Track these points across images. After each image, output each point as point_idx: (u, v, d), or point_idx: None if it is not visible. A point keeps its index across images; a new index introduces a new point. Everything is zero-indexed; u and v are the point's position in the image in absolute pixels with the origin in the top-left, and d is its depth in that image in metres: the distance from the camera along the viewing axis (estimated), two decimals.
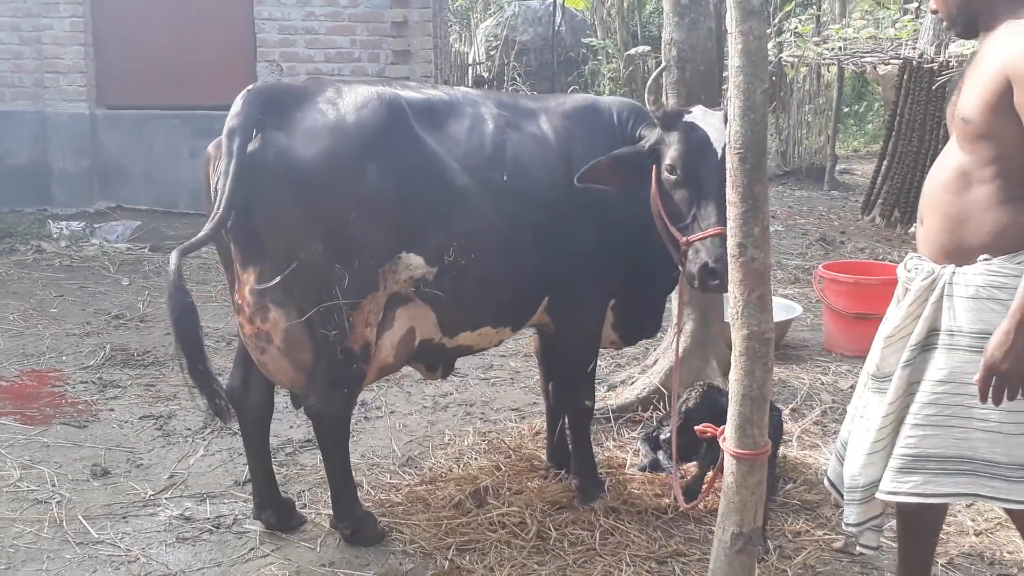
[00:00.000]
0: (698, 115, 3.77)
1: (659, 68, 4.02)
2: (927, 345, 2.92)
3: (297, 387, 3.81)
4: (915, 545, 3.32)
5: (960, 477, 2.85)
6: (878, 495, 3.00)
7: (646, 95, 3.80)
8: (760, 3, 2.95)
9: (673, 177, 3.72)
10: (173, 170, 10.15)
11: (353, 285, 3.52)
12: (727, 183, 2.98)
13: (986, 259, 2.82)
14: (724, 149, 3.47)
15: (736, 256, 3.00)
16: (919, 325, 2.93)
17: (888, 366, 3.03)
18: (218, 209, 3.43)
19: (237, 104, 3.53)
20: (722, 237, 3.45)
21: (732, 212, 3.00)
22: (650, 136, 3.85)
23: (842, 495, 3.17)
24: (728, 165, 2.98)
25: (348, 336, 3.57)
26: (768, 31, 13.24)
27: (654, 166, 3.81)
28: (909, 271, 3.06)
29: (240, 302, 3.63)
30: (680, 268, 3.79)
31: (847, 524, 3.13)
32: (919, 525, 3.28)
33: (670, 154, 3.72)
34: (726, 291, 3.62)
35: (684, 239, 3.68)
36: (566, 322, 4.16)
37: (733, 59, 2.97)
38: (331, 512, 3.99)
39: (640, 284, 4.19)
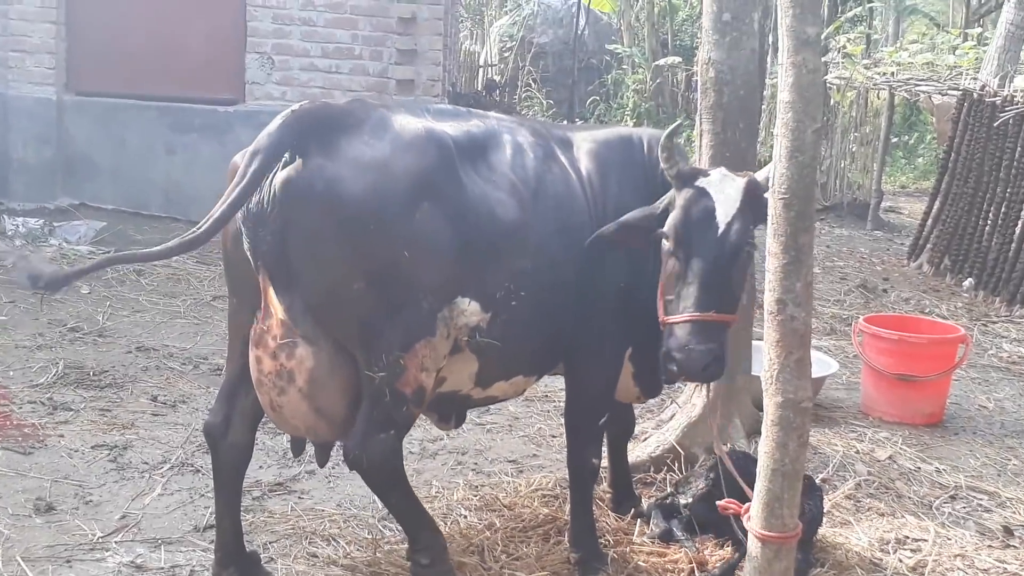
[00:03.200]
0: (714, 180, 3.75)
1: (673, 125, 3.97)
2: None
3: (312, 434, 3.82)
4: None
5: None
6: None
7: (659, 152, 3.82)
8: (816, 33, 2.95)
9: (666, 244, 3.74)
10: (146, 167, 10.16)
11: (404, 327, 3.55)
12: (768, 231, 2.97)
13: None
14: (730, 226, 3.61)
15: (774, 314, 2.98)
16: None
17: None
18: (204, 225, 3.45)
19: (275, 124, 3.56)
20: (695, 325, 3.57)
21: (773, 264, 2.98)
22: (667, 196, 3.86)
23: None
24: (771, 211, 2.97)
25: (399, 378, 3.59)
26: None
27: None
28: None
29: (263, 334, 3.64)
30: None
31: None
32: None
33: (670, 219, 3.74)
34: (694, 382, 3.64)
35: (663, 317, 3.74)
36: (581, 367, 4.17)
37: (782, 93, 2.97)
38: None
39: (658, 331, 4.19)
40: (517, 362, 4.00)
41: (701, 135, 5.35)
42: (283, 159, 3.50)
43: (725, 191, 3.69)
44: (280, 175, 3.47)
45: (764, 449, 3.06)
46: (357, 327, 3.56)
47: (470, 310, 3.69)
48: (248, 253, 3.56)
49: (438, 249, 3.57)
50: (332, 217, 3.47)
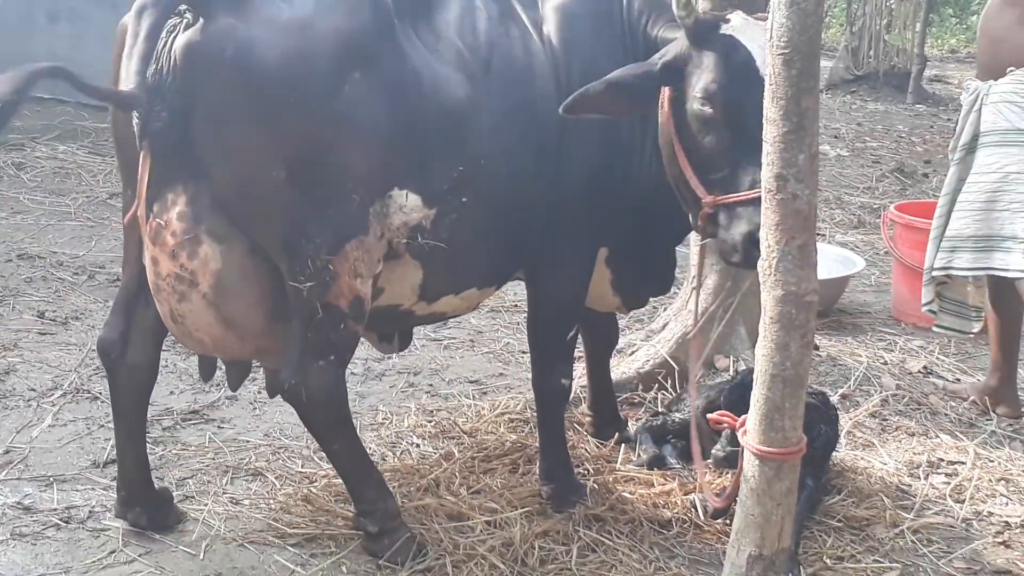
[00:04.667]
0: (737, 26, 3.72)
1: None
2: (971, 148, 5.14)
3: (221, 351, 3.91)
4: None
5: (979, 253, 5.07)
6: (934, 273, 5.30)
7: None
8: None
9: (707, 112, 3.68)
10: (23, 40, 10.00)
11: (332, 226, 3.61)
12: (767, 94, 3.03)
13: (1012, 70, 4.98)
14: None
15: (773, 192, 3.05)
16: (966, 130, 5.14)
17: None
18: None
19: None
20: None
21: (771, 133, 3.05)
22: (668, 49, 3.84)
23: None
24: (769, 70, 3.02)
25: (330, 288, 3.66)
26: None
27: (668, 90, 3.83)
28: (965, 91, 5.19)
29: (160, 229, 3.65)
30: (696, 230, 3.88)
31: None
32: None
33: (704, 80, 3.69)
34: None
35: (711, 197, 3.70)
36: (544, 272, 4.26)
37: None
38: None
39: (642, 230, 4.29)
40: (469, 272, 4.07)
41: None
42: (184, 19, 3.51)
43: (754, 38, 3.64)
44: (180, 38, 3.48)
45: (762, 352, 3.15)
46: (278, 226, 3.61)
47: (409, 205, 3.74)
48: (136, 131, 3.57)
49: (371, 129, 3.61)
50: (245, 89, 3.49)
